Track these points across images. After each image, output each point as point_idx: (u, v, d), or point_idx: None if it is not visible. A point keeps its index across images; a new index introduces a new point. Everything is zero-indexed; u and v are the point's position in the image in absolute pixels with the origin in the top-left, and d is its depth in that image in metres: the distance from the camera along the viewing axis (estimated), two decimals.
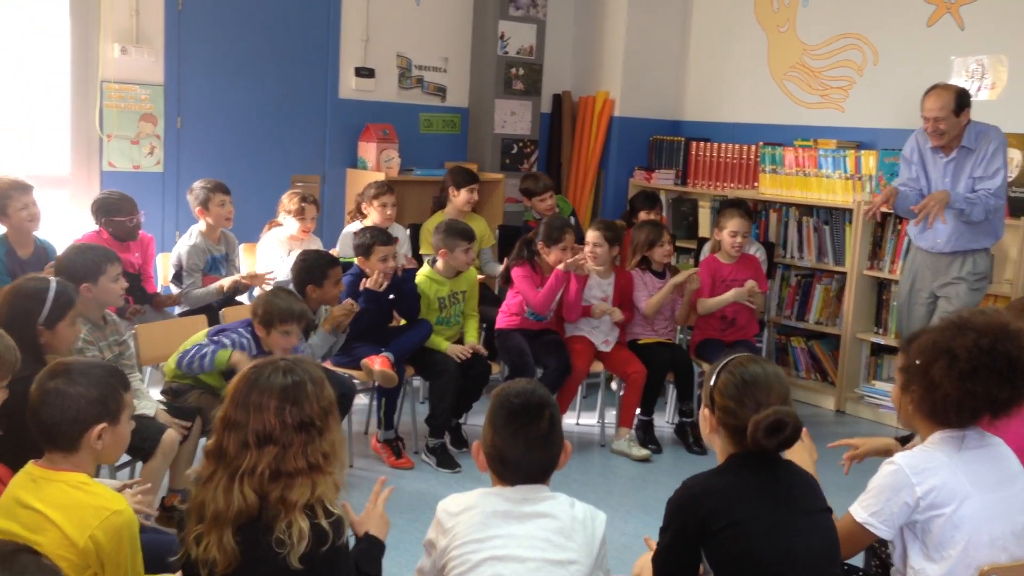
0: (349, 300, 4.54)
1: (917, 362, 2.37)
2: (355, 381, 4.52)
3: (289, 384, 2.08)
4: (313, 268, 4.39)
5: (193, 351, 3.92)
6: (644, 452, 4.99)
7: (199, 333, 4.09)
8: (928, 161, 4.95)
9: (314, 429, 2.09)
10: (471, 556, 2.09)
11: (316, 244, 5.50)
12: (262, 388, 2.07)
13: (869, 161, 5.81)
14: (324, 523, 2.06)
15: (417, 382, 5.43)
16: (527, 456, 2.17)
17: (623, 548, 3.92)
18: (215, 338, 3.98)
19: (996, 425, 2.38)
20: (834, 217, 5.99)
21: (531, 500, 2.16)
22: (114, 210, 4.81)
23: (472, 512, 2.14)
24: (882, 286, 5.87)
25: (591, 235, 5.17)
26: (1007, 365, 2.27)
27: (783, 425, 2.14)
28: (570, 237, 5.01)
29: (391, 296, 4.72)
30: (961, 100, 4.69)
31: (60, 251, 4.47)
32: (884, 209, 5.03)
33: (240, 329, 4.02)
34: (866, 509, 2.34)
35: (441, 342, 4.85)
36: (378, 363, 4.50)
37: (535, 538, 2.10)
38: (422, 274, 4.93)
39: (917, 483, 2.28)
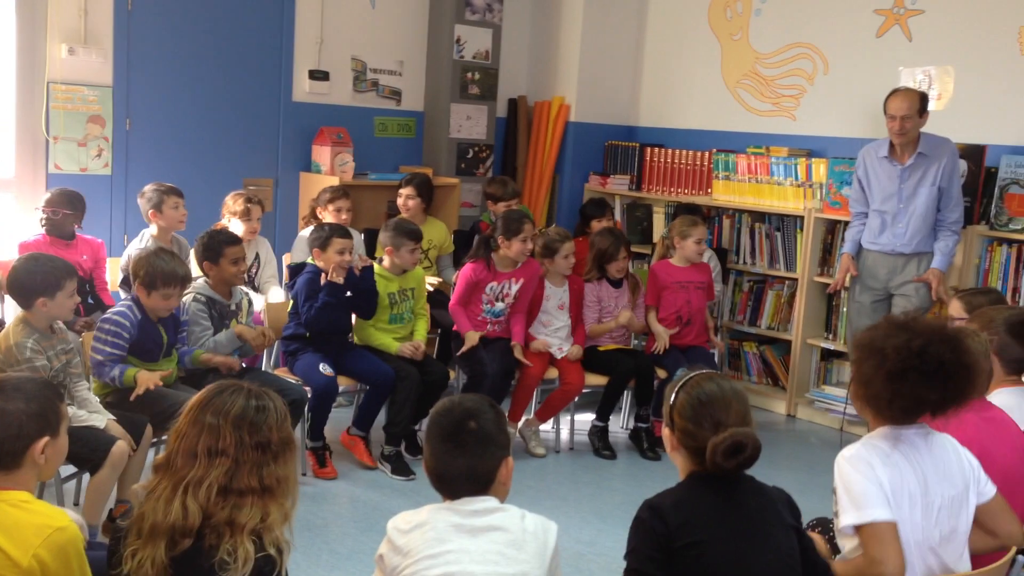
0: (263, 328, 4.51)
1: (854, 355, 2.42)
2: (305, 389, 4.49)
3: (252, 406, 2.08)
4: (209, 246, 4.37)
5: (104, 369, 3.85)
6: (541, 451, 5.12)
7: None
8: (876, 174, 5.13)
9: (270, 452, 2.07)
10: (425, 573, 2.07)
11: (264, 246, 5.45)
12: (219, 406, 2.06)
13: (820, 169, 5.89)
14: (271, 552, 2.02)
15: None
16: (452, 465, 2.16)
17: (577, 556, 3.93)
18: (108, 341, 3.87)
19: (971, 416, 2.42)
20: (786, 224, 6.07)
21: (481, 513, 2.15)
22: (69, 204, 4.78)
23: (424, 528, 2.13)
24: (832, 292, 5.95)
25: (567, 247, 5.16)
26: (936, 369, 2.30)
27: (742, 447, 2.15)
28: (529, 227, 5.03)
29: (348, 293, 4.70)
30: (923, 102, 4.99)
31: None
32: (848, 279, 5.39)
33: (122, 309, 3.93)
34: (861, 508, 2.30)
35: (390, 343, 4.82)
36: None
37: (488, 552, 2.10)
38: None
39: (873, 463, 2.32)
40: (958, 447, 2.47)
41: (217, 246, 4.37)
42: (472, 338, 4.92)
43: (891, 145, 5.07)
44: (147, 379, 3.83)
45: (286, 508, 2.09)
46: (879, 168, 5.14)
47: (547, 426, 5.34)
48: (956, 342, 2.35)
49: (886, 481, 2.31)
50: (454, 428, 2.17)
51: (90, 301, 4.89)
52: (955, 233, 5.05)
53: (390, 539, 2.16)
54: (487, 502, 2.17)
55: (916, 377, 2.30)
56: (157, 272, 3.91)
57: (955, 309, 3.73)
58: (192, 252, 4.69)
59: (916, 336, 2.33)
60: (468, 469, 2.16)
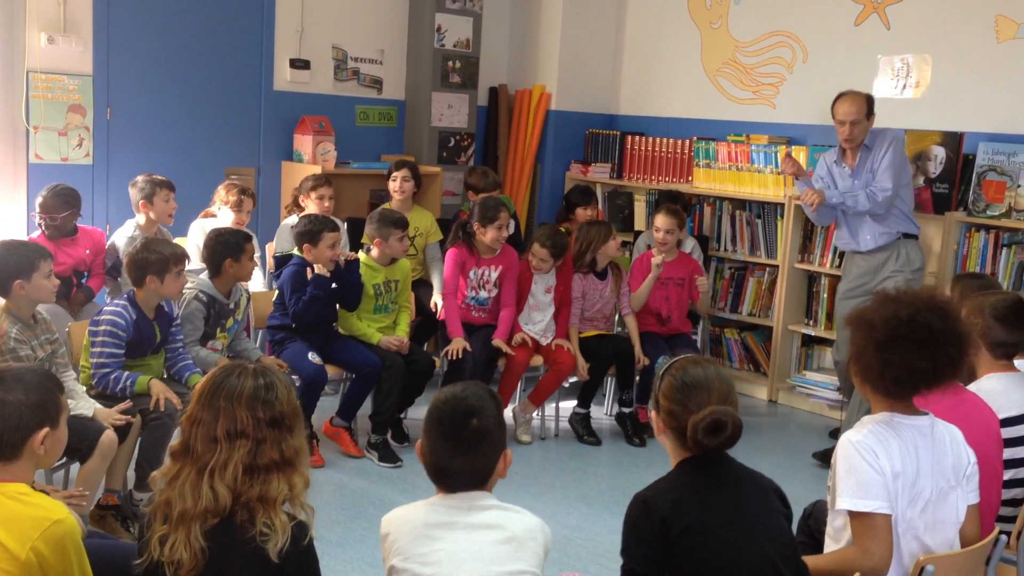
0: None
1: (847, 333, 2.45)
2: (293, 377, 4.49)
3: (261, 385, 2.12)
4: (231, 243, 4.32)
5: (111, 378, 3.79)
6: (527, 439, 5.13)
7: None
8: (836, 176, 5.13)
9: (285, 426, 2.12)
10: (419, 571, 2.06)
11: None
12: (231, 388, 2.09)
13: (799, 156, 5.93)
14: (302, 518, 2.10)
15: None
16: (454, 462, 2.13)
17: (565, 541, 3.97)
18: (108, 343, 3.81)
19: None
20: (766, 211, 6.13)
21: (476, 509, 2.13)
22: (65, 205, 4.75)
23: (415, 524, 2.12)
24: (813, 279, 6.03)
25: (539, 251, 5.13)
26: (926, 336, 2.31)
27: (722, 425, 2.16)
28: (504, 215, 5.06)
29: (334, 285, 4.70)
30: (870, 104, 4.97)
31: None
32: (805, 201, 5.14)
33: (118, 309, 3.87)
34: (863, 497, 2.31)
35: (373, 334, 4.84)
36: None
37: (482, 552, 2.08)
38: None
39: (878, 450, 2.33)
40: (961, 441, 2.48)
41: (239, 242, 4.31)
42: (458, 344, 4.93)
43: (841, 149, 5.08)
44: (162, 390, 3.79)
45: (306, 475, 2.16)
46: (835, 171, 5.14)
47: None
48: (945, 310, 2.36)
49: (888, 471, 2.33)
50: (456, 427, 2.12)
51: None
52: (875, 194, 4.88)
53: (382, 536, 2.16)
54: (484, 499, 2.16)
55: (906, 345, 2.32)
56: (168, 254, 3.90)
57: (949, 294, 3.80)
58: (192, 247, 4.67)
59: (904, 306, 2.35)
60: (470, 468, 2.14)
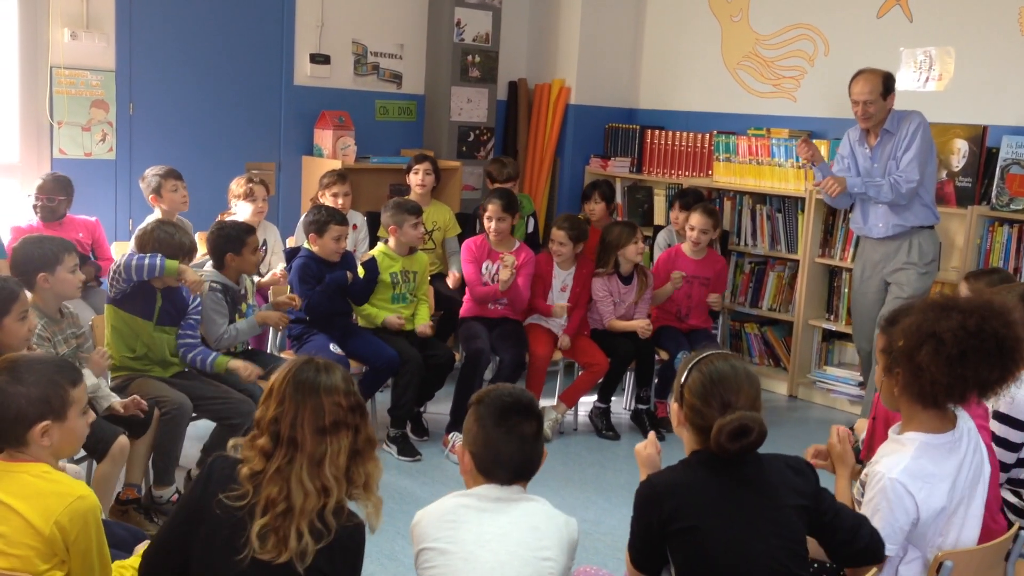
0: (288, 297, 4.56)
1: (900, 344, 2.29)
2: None
3: (344, 375, 2.19)
4: (231, 236, 4.32)
5: (195, 352, 4.00)
6: (547, 435, 5.08)
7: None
8: (857, 155, 5.07)
9: (363, 411, 2.19)
10: (446, 547, 2.12)
11: (273, 233, 5.46)
12: (327, 384, 2.13)
13: (820, 150, 5.90)
14: (373, 502, 2.17)
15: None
16: (520, 451, 2.22)
17: (583, 535, 3.92)
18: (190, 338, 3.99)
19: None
20: (787, 205, 6.10)
21: (504, 500, 2.20)
22: (63, 190, 4.83)
23: (443, 511, 2.19)
24: (833, 273, 6.00)
25: (557, 234, 5.17)
26: (995, 346, 2.21)
27: (748, 431, 2.14)
28: (494, 206, 5.10)
29: (348, 272, 4.72)
30: (888, 83, 4.86)
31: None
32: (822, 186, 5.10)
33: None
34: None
35: (379, 314, 4.85)
36: None
37: (509, 534, 2.14)
38: (376, 251, 4.97)
39: (916, 493, 2.28)
40: (977, 436, 2.44)
41: (240, 236, 4.31)
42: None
43: (865, 129, 5.02)
44: (243, 367, 4.02)
45: (379, 460, 2.23)
46: (857, 150, 5.09)
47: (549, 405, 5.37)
48: (1005, 314, 2.26)
49: (924, 512, 2.28)
50: (522, 416, 2.23)
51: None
52: (899, 185, 4.81)
53: (413, 522, 2.22)
54: (515, 493, 2.23)
55: (977, 357, 2.21)
56: (165, 247, 3.89)
57: (964, 293, 3.74)
58: (198, 237, 4.68)
59: (968, 315, 2.23)
60: (529, 461, 2.24)
